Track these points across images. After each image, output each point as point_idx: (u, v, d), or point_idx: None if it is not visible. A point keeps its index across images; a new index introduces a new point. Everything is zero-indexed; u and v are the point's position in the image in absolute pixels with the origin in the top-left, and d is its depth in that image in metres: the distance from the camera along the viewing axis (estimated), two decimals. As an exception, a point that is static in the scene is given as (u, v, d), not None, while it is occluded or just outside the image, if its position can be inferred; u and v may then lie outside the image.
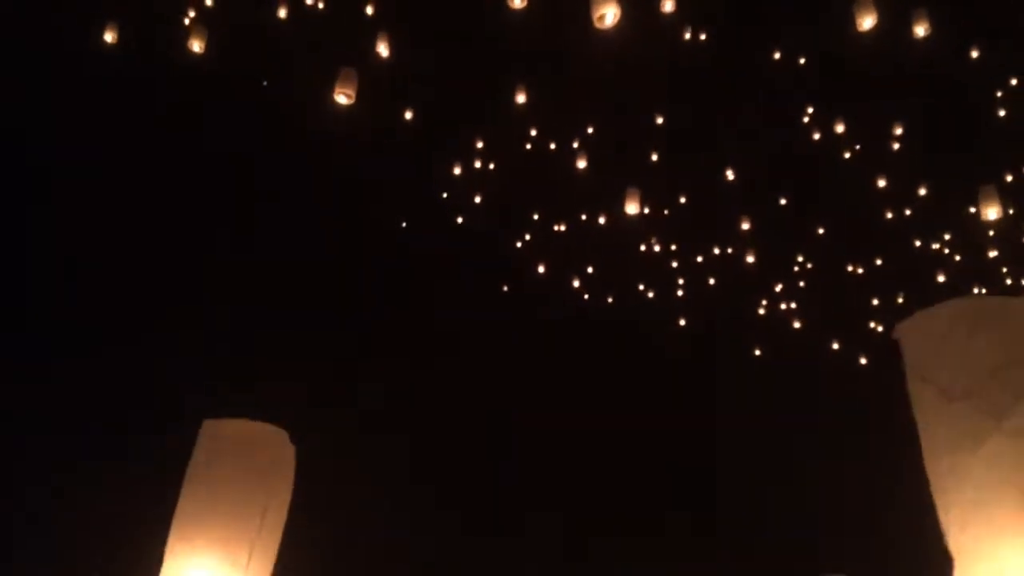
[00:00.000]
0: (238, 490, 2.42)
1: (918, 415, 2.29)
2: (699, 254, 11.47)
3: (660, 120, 9.39)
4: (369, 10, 8.83)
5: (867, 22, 7.27)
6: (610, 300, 11.89)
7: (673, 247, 11.42)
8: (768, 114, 9.81)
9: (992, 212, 8.64)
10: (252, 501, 2.43)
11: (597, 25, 6.40)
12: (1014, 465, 2.12)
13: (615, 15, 6.22)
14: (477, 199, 10.40)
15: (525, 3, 7.62)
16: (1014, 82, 9.24)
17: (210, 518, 2.40)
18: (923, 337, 2.29)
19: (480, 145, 9.99)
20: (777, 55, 9.03)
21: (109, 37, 8.85)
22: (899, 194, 10.92)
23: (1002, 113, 9.72)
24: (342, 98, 7.83)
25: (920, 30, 7.73)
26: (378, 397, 10.80)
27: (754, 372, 13.36)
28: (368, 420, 10.70)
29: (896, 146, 10.01)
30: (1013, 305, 2.28)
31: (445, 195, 10.60)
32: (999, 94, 9.30)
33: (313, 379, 10.03)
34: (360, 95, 8.13)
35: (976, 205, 9.99)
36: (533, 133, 9.74)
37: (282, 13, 9.04)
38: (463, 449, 11.15)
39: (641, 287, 11.75)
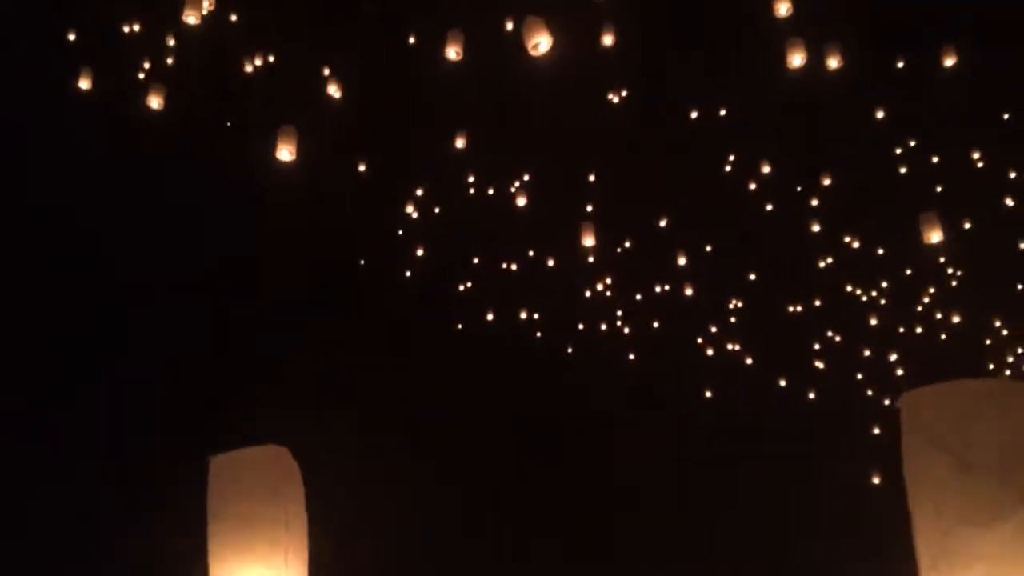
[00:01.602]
0: (258, 512, 2.60)
1: (921, 483, 2.31)
2: (641, 295, 11.54)
3: (593, 177, 9.53)
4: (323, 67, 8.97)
5: (796, 59, 7.35)
6: (555, 338, 11.93)
7: (616, 287, 11.48)
8: (700, 157, 9.96)
9: (935, 236, 8.63)
10: (273, 518, 2.61)
11: (531, 53, 6.57)
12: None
13: (548, 43, 6.39)
14: (419, 251, 10.48)
15: (461, 56, 7.81)
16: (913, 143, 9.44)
17: (242, 544, 2.59)
18: (942, 410, 2.32)
19: (420, 192, 10.11)
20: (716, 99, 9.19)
21: (84, 84, 8.97)
22: (830, 239, 11.02)
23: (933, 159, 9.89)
24: (284, 154, 7.93)
25: (833, 62, 7.71)
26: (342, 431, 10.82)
27: (703, 409, 13.39)
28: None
29: (825, 187, 10.13)
30: (991, 386, 2.33)
31: (399, 235, 10.69)
32: (912, 143, 9.48)
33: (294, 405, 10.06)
34: (309, 148, 8.27)
35: (913, 235, 10.15)
36: (471, 179, 9.86)
37: (238, 67, 9.21)
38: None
39: (583, 326, 11.79)
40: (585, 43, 8.39)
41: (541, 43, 6.18)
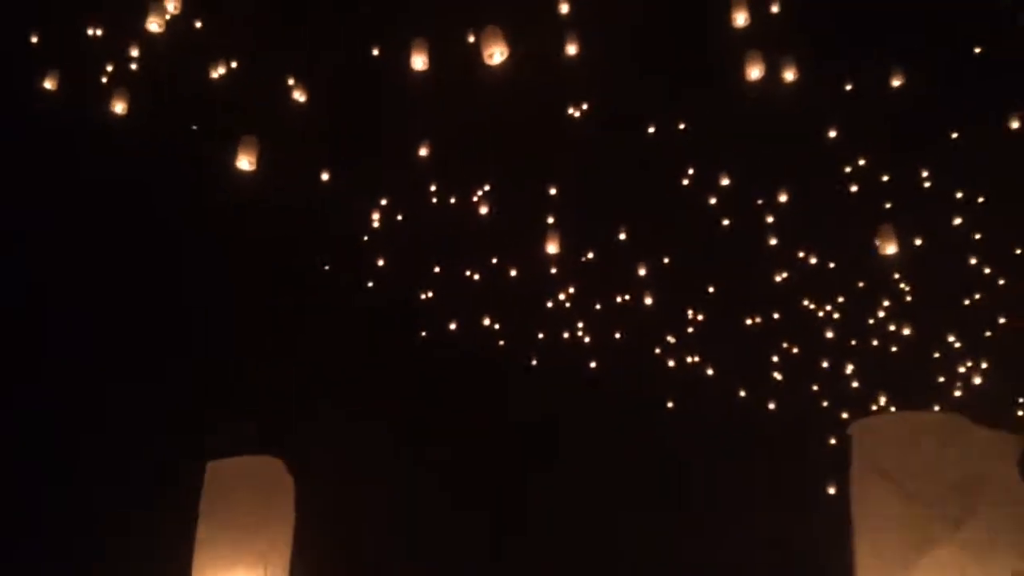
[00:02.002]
0: (245, 514, 2.65)
1: (865, 505, 2.41)
2: (602, 304, 11.60)
3: (554, 189, 9.57)
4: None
5: (754, 72, 7.42)
6: (519, 347, 11.95)
7: (578, 297, 11.53)
8: (658, 173, 10.04)
9: (890, 248, 8.73)
10: (259, 523, 2.65)
11: (487, 63, 6.61)
12: (959, 572, 2.26)
13: (503, 55, 6.45)
14: (380, 261, 10.45)
15: (427, 66, 7.82)
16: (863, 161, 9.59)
17: (223, 544, 2.64)
18: (888, 440, 2.43)
19: (385, 202, 10.10)
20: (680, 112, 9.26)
21: (49, 84, 8.86)
22: (786, 253, 11.15)
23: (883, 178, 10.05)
24: (245, 164, 7.89)
25: (789, 75, 7.76)
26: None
27: (666, 418, 13.46)
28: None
29: (782, 202, 10.24)
30: (977, 429, 2.48)
31: (360, 244, 10.67)
32: (861, 162, 9.63)
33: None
34: (273, 156, 8.23)
35: (866, 251, 10.30)
36: (433, 188, 9.87)
37: (201, 74, 9.16)
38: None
39: (543, 335, 11.82)
40: (548, 55, 8.46)
41: (496, 54, 6.23)
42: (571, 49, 8.07)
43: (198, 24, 8.76)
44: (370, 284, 10.58)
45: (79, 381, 10.24)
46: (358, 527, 10.39)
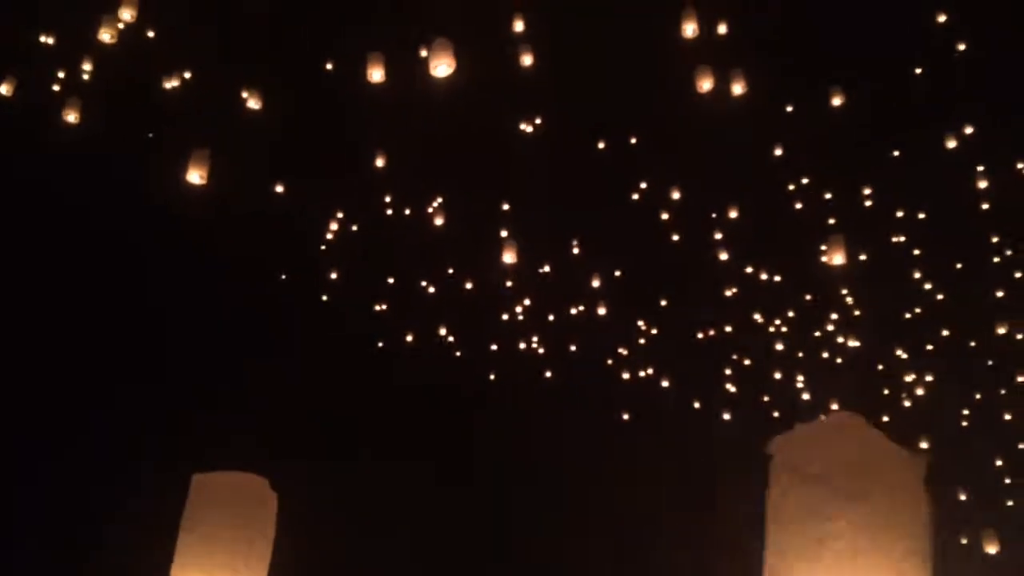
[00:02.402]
0: (227, 528, 2.67)
1: (774, 500, 2.50)
2: (556, 316, 11.65)
3: (506, 205, 9.63)
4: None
5: (705, 84, 7.51)
6: (472, 359, 11.95)
7: (533, 309, 11.57)
8: (610, 187, 10.14)
9: (838, 259, 8.88)
10: (239, 538, 2.67)
11: (433, 74, 6.65)
12: (852, 550, 2.29)
13: (449, 67, 6.49)
14: (333, 274, 10.41)
15: (384, 78, 7.84)
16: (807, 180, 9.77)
17: (205, 557, 2.65)
18: (799, 440, 2.52)
19: (340, 215, 10.07)
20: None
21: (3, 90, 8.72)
22: (736, 267, 11.29)
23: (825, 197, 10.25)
24: (195, 178, 7.82)
25: (738, 88, 7.85)
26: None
27: (621, 429, 13.54)
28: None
29: (731, 218, 10.39)
30: (859, 425, 2.51)
31: (317, 256, 10.62)
32: (804, 180, 9.81)
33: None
34: (226, 168, 8.17)
35: (813, 266, 10.50)
36: (388, 199, 9.87)
37: (154, 85, 9.08)
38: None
39: (496, 347, 11.84)
40: (502, 70, 8.52)
41: (442, 67, 6.28)
42: (525, 61, 8.14)
43: (151, 34, 8.70)
44: (324, 298, 10.51)
45: (58, 392, 10.15)
46: (335, 548, 10.30)
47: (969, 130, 8.60)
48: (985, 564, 11.99)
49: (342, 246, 10.32)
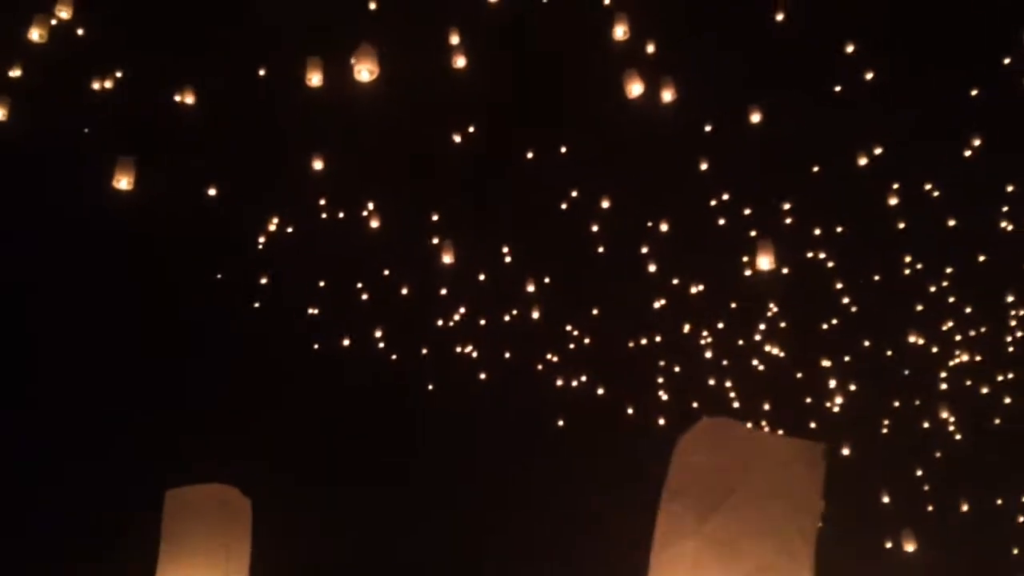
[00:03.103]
0: (204, 539, 2.70)
1: (662, 504, 2.49)
2: (491, 323, 11.69)
3: (437, 214, 9.64)
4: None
5: (635, 88, 7.56)
6: (410, 363, 11.93)
7: (467, 314, 11.60)
8: (543, 196, 10.22)
9: (765, 263, 8.87)
10: (217, 547, 2.70)
11: (356, 79, 6.65)
12: (692, 564, 2.28)
13: (372, 72, 6.50)
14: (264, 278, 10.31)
15: (321, 83, 7.79)
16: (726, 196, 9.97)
17: (188, 569, 2.70)
18: (679, 454, 2.51)
19: (276, 222, 9.99)
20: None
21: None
22: (664, 279, 11.45)
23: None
24: (122, 184, 7.67)
25: (667, 94, 7.91)
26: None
27: (554, 437, 13.62)
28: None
29: (658, 230, 10.54)
30: (736, 427, 2.51)
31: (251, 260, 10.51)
32: (725, 197, 10.03)
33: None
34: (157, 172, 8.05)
35: (740, 278, 10.71)
36: (322, 202, 9.82)
37: (84, 86, 8.91)
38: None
39: (425, 351, 11.84)
40: (435, 78, 8.55)
41: (364, 71, 6.30)
42: (458, 65, 8.17)
43: (80, 31, 8.54)
44: (256, 305, 10.40)
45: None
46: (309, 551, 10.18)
47: (878, 151, 8.90)
48: (904, 564, 12.34)
49: (276, 249, 10.22)
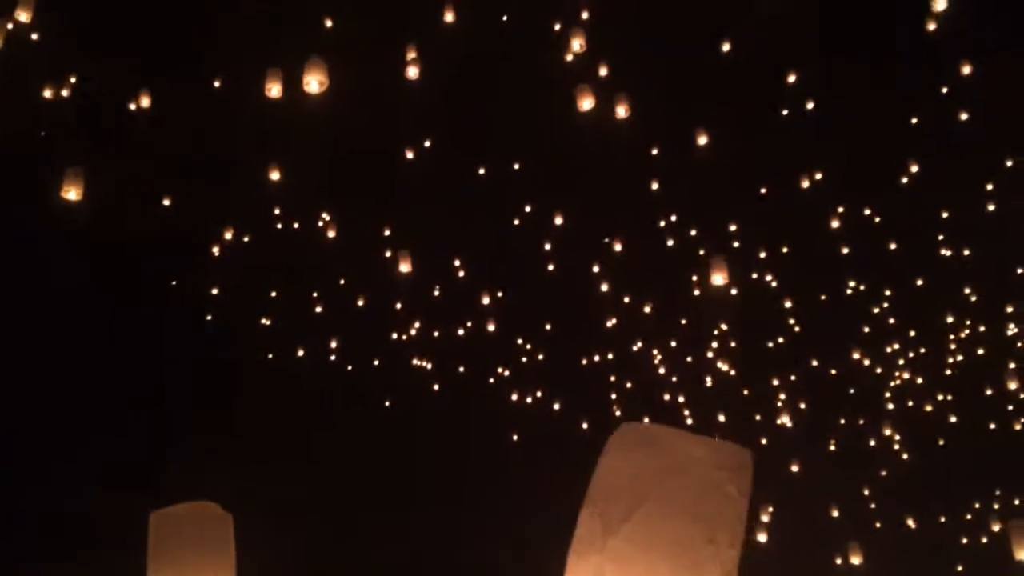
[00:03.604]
0: (190, 557, 2.74)
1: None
2: (445, 335, 11.70)
3: (391, 228, 9.66)
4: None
5: (586, 103, 7.62)
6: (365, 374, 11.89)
7: (421, 329, 11.59)
8: (494, 212, 10.28)
9: (719, 279, 8.89)
10: (203, 563, 2.73)
11: (305, 90, 6.66)
12: (619, 570, 2.19)
13: (321, 84, 6.52)
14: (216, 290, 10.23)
15: (280, 94, 7.79)
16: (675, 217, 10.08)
17: None
18: (600, 460, 2.37)
19: (230, 235, 9.94)
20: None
21: None
22: (615, 297, 11.54)
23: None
24: (71, 195, 7.59)
25: (622, 110, 7.97)
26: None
27: (511, 449, 13.63)
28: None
29: (610, 248, 10.64)
30: (658, 431, 2.37)
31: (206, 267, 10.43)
32: (673, 218, 10.16)
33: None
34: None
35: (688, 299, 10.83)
36: (277, 212, 9.79)
37: (37, 94, 8.80)
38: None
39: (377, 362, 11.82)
40: (392, 91, 8.59)
41: (313, 83, 6.33)
42: (412, 78, 8.21)
43: (34, 36, 8.46)
44: (208, 317, 10.33)
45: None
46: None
47: (819, 176, 9.10)
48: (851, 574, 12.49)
49: (231, 260, 10.16)
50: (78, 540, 9.50)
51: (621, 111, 7.96)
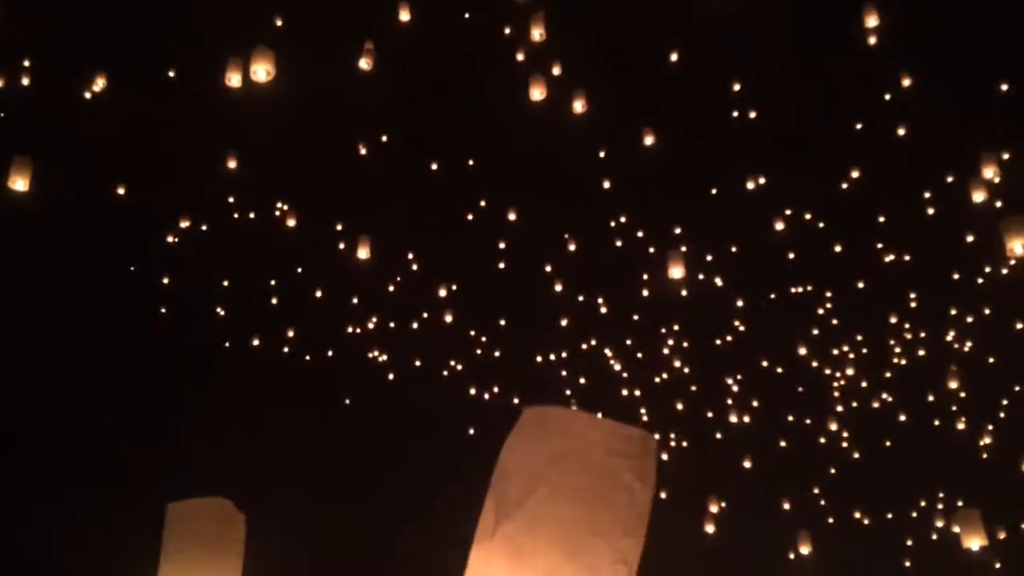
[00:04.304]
0: (203, 555, 2.81)
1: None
2: (401, 328, 11.72)
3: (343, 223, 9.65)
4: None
5: (536, 93, 7.65)
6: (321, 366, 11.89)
7: (378, 322, 11.60)
8: (448, 206, 10.31)
9: (676, 272, 8.96)
10: (217, 562, 2.79)
11: (252, 79, 6.66)
12: (485, 563, 2.09)
13: (268, 73, 6.52)
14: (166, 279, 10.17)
15: (240, 84, 7.76)
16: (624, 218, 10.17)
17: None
18: (505, 447, 2.24)
19: (185, 225, 9.89)
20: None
21: None
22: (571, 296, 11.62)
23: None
24: (19, 185, 7.51)
25: (579, 105, 7.94)
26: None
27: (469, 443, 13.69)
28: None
29: (560, 247, 10.73)
30: (560, 414, 2.16)
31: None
32: (623, 219, 10.25)
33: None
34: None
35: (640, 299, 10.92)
36: (231, 200, 9.76)
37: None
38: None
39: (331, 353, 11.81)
40: (347, 86, 8.59)
41: (260, 71, 6.34)
42: (365, 60, 8.20)
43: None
44: (163, 310, 10.27)
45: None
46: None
47: (762, 180, 9.24)
48: (800, 565, 12.70)
49: (185, 249, 10.11)
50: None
51: (578, 106, 8.03)
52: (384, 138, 9.59)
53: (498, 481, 2.18)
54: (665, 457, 13.80)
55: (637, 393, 13.66)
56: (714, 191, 10.32)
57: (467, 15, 8.85)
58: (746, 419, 13.50)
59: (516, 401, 14.04)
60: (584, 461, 2.13)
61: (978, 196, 8.28)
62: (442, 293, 11.17)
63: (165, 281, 10.22)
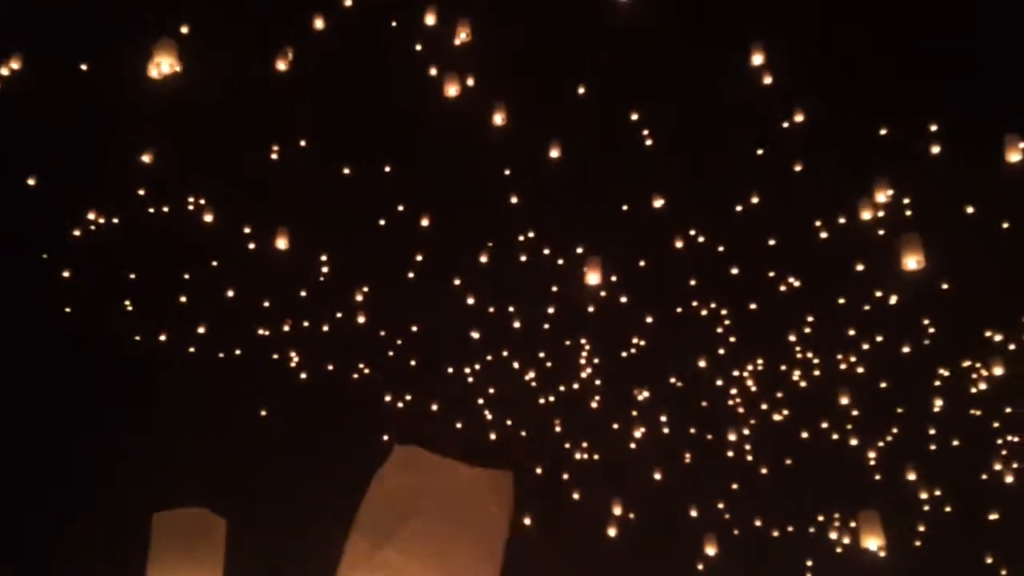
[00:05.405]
0: (187, 558, 2.78)
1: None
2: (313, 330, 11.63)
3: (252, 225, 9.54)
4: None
5: (451, 90, 7.67)
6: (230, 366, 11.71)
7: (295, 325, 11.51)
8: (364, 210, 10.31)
9: (593, 278, 8.78)
10: (195, 566, 2.77)
11: (155, 71, 6.55)
12: None
13: (171, 66, 6.45)
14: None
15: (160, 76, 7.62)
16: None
17: None
18: (371, 486, 2.42)
19: (93, 217, 9.69)
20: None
21: None
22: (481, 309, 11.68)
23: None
24: (164, 66, 7.18)
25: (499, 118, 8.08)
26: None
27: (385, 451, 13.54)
28: None
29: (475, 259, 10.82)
30: (428, 457, 2.44)
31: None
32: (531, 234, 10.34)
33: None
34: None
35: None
36: (141, 193, 9.60)
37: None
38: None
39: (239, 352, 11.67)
40: (262, 84, 8.55)
41: (163, 64, 6.27)
42: (280, 67, 8.17)
43: None
44: (67, 309, 10.01)
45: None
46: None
47: (663, 201, 9.45)
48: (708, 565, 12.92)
49: (90, 244, 9.89)
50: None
51: (498, 119, 8.16)
52: (302, 143, 9.57)
53: (368, 517, 2.39)
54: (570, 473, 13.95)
55: (552, 399, 13.75)
56: (625, 207, 10.54)
57: (388, 23, 8.91)
58: (653, 432, 13.70)
59: (434, 408, 14.03)
60: (456, 494, 2.42)
61: (868, 222, 8.68)
62: (359, 297, 11.15)
63: (66, 275, 9.97)
